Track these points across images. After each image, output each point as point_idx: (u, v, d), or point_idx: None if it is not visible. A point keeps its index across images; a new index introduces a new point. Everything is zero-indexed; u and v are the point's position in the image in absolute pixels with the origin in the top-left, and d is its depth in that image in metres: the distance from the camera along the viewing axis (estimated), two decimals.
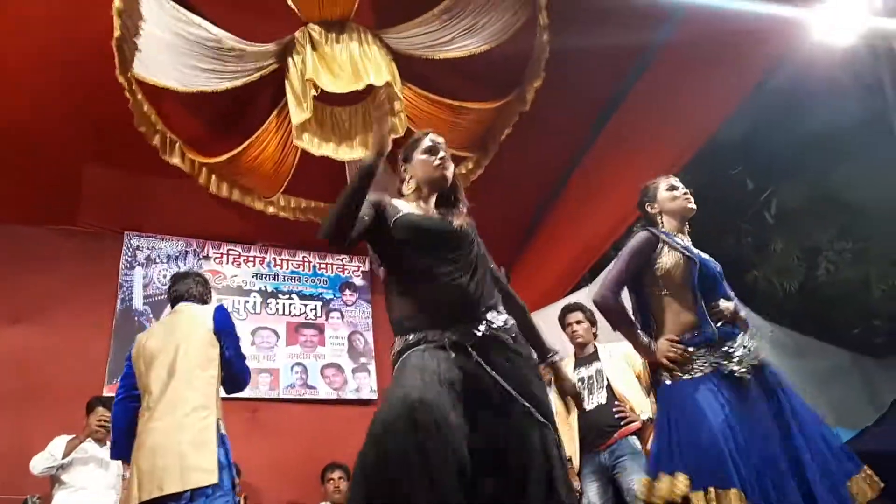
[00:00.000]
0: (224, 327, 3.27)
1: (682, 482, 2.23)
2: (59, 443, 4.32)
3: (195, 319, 3.29)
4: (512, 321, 2.09)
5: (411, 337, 1.98)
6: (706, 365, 2.45)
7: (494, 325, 2.01)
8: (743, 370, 2.44)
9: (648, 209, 2.84)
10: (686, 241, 2.75)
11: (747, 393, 2.43)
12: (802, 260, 6.00)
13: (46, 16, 4.21)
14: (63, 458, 4.27)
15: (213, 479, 2.83)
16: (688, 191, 2.82)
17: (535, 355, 2.17)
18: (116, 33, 4.14)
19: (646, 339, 2.57)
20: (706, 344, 2.48)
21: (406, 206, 2.18)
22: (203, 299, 3.49)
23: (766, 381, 2.48)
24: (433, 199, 2.26)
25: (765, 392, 2.46)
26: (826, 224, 5.90)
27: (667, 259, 2.62)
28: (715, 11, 4.14)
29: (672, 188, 2.81)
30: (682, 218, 2.80)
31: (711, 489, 2.17)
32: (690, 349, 2.48)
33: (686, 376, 2.45)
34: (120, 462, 4.54)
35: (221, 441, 3.00)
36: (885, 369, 6.12)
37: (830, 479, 2.26)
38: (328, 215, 1.98)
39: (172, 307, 3.49)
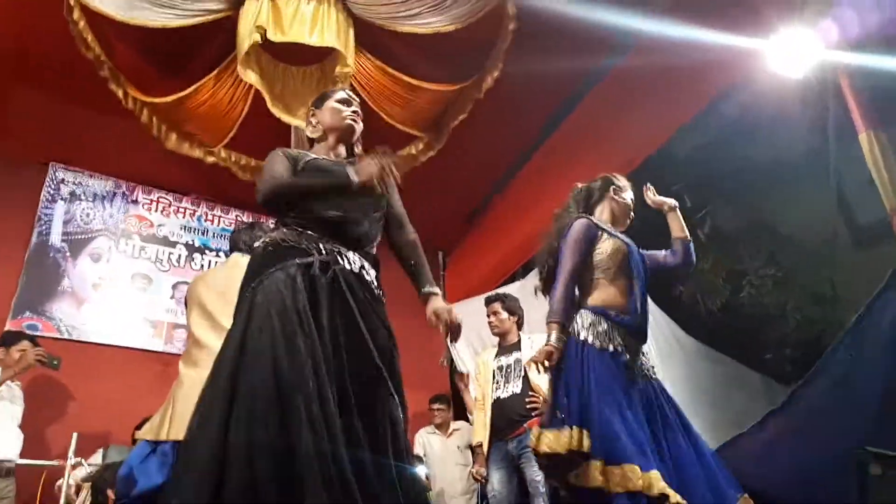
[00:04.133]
0: None
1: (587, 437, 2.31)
2: None
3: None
4: (374, 273, 2.12)
5: (286, 235, 2.02)
6: (618, 345, 2.53)
7: (356, 266, 2.05)
8: (639, 370, 2.56)
9: (611, 193, 2.93)
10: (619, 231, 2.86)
11: (641, 391, 2.53)
12: (728, 281, 6.17)
13: None
14: None
15: None
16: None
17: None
18: None
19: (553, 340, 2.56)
20: (623, 327, 2.57)
21: (316, 154, 2.28)
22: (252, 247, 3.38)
23: (660, 397, 2.58)
24: (341, 149, 2.34)
25: (651, 402, 2.55)
26: (754, 249, 6.08)
27: (606, 245, 2.71)
28: (669, 39, 4.21)
29: (633, 199, 2.97)
30: (622, 220, 2.92)
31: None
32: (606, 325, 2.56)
33: (596, 344, 2.51)
34: (22, 397, 4.36)
35: None
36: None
37: (716, 493, 2.33)
38: (273, 183, 2.07)
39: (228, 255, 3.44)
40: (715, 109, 4.87)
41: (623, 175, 3.10)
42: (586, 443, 2.29)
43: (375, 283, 2.09)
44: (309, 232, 2.02)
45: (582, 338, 2.53)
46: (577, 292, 2.71)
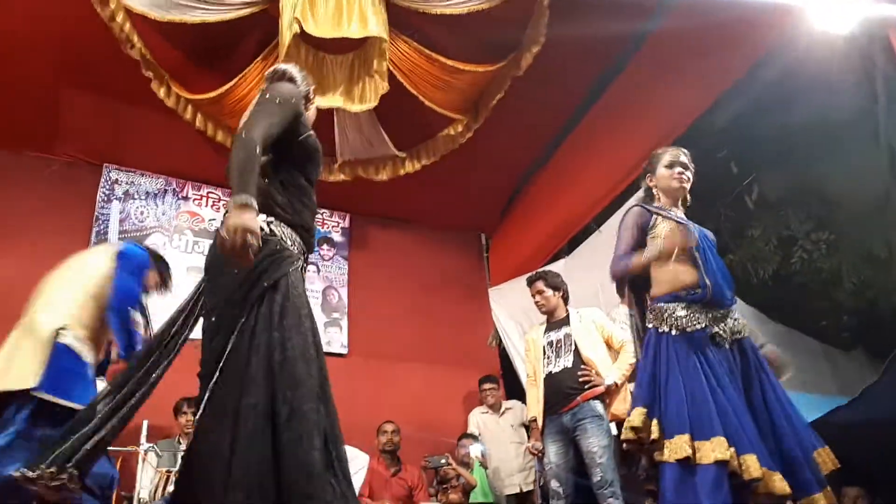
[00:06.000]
0: None
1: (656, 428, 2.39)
2: None
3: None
4: None
5: (293, 236, 2.16)
6: (699, 322, 2.53)
7: None
8: (724, 335, 2.55)
9: (648, 181, 2.90)
10: (679, 212, 2.82)
11: (725, 357, 2.53)
12: (778, 248, 6.06)
13: None
14: None
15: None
16: (684, 169, 2.82)
17: None
18: None
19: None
20: (700, 301, 2.56)
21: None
22: None
23: (746, 354, 2.58)
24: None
25: (744, 363, 2.56)
26: (804, 214, 5.95)
27: (661, 228, 2.70)
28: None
29: (671, 165, 2.82)
30: (675, 196, 2.83)
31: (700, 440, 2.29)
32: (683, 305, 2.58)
33: (674, 332, 2.54)
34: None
35: None
36: (851, 360, 6.29)
37: (800, 449, 2.38)
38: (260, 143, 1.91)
39: None
40: (758, 71, 4.76)
41: (665, 145, 3.07)
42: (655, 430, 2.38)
43: None
44: (296, 235, 2.17)
45: (661, 330, 2.56)
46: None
